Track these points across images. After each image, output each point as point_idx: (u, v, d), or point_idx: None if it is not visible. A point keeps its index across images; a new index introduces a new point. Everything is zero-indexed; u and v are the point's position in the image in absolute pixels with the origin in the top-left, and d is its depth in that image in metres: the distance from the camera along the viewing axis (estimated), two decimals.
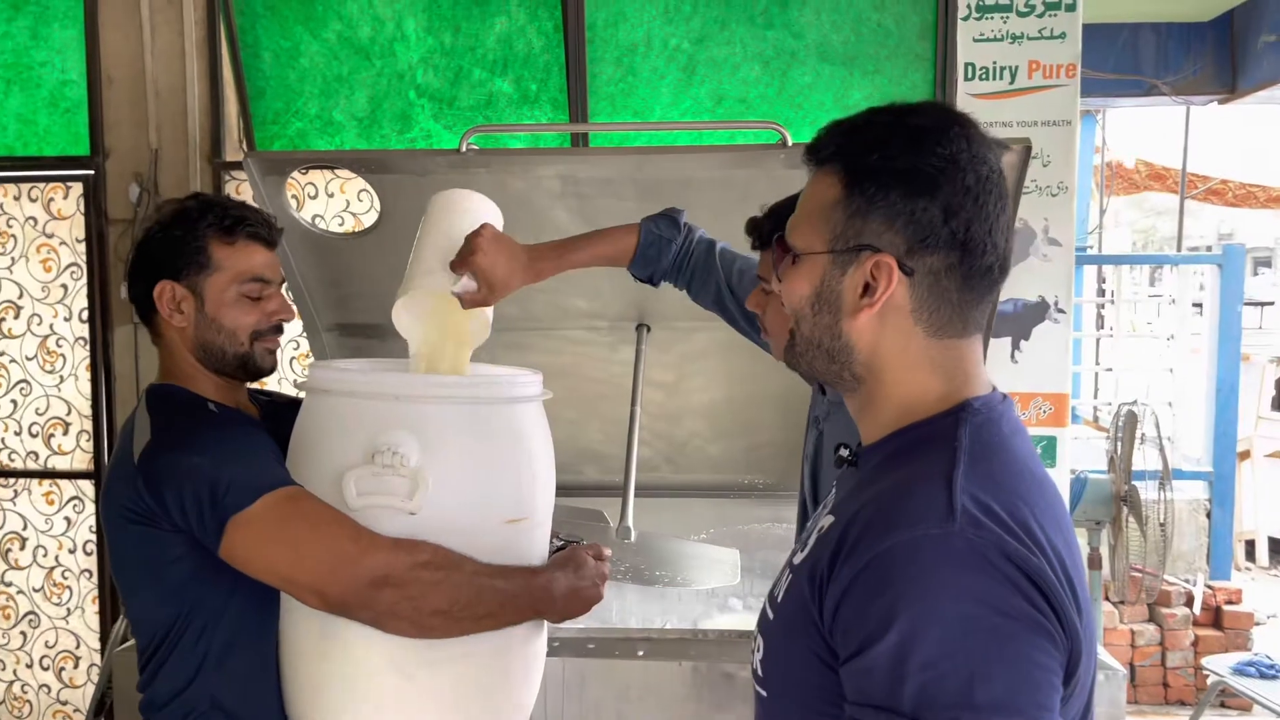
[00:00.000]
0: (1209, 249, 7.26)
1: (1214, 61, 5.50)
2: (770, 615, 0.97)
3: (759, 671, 0.97)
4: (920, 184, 0.87)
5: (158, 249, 1.44)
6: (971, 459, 0.85)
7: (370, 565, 1.26)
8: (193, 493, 1.28)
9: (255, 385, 1.57)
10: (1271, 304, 13.27)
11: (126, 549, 1.38)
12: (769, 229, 1.57)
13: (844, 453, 1.00)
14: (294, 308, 1.55)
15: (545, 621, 1.45)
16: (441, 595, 1.27)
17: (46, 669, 3.51)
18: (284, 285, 1.53)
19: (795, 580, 0.92)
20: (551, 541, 1.51)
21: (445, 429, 1.32)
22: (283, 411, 1.52)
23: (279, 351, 1.55)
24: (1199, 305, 5.81)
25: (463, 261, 1.47)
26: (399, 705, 1.33)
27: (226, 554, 1.30)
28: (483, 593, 1.30)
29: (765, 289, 1.54)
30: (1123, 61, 5.46)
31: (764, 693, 0.97)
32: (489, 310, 1.53)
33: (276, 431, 1.44)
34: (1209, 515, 5.29)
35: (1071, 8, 2.96)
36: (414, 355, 1.53)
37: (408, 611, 1.27)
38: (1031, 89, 2.99)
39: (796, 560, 0.95)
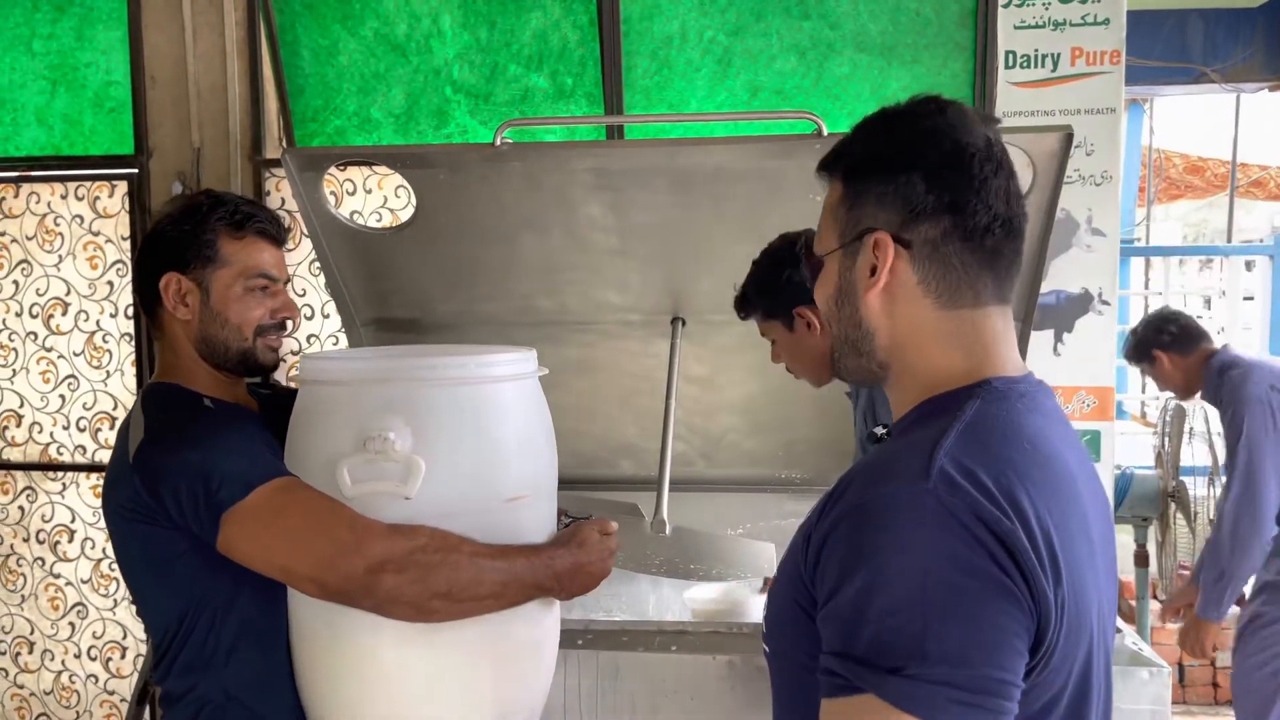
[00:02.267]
0: (1261, 241, 7.08)
1: (1264, 48, 5.37)
2: (776, 575, 1.03)
3: (764, 629, 1.02)
4: (899, 160, 0.93)
5: (166, 241, 1.45)
6: (967, 428, 0.88)
7: (368, 552, 1.26)
8: (187, 488, 1.29)
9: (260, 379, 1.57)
10: None
11: (130, 547, 1.40)
12: (741, 301, 1.96)
13: (879, 430, 1.05)
14: (299, 307, 1.55)
15: (556, 603, 1.44)
16: (441, 578, 1.27)
17: (94, 659, 3.58)
18: (289, 285, 1.53)
19: (794, 538, 0.97)
20: (560, 520, 1.50)
21: (435, 411, 1.31)
22: (284, 402, 1.52)
23: (283, 349, 1.55)
24: (1250, 298, 5.68)
25: None
26: (409, 690, 1.34)
27: (224, 547, 1.30)
28: (483, 573, 1.29)
29: (771, 343, 1.98)
30: (1170, 49, 5.34)
31: (766, 648, 1.01)
32: None
33: (279, 423, 1.44)
34: None
35: None
36: None
37: (409, 596, 1.26)
38: (1074, 76, 2.93)
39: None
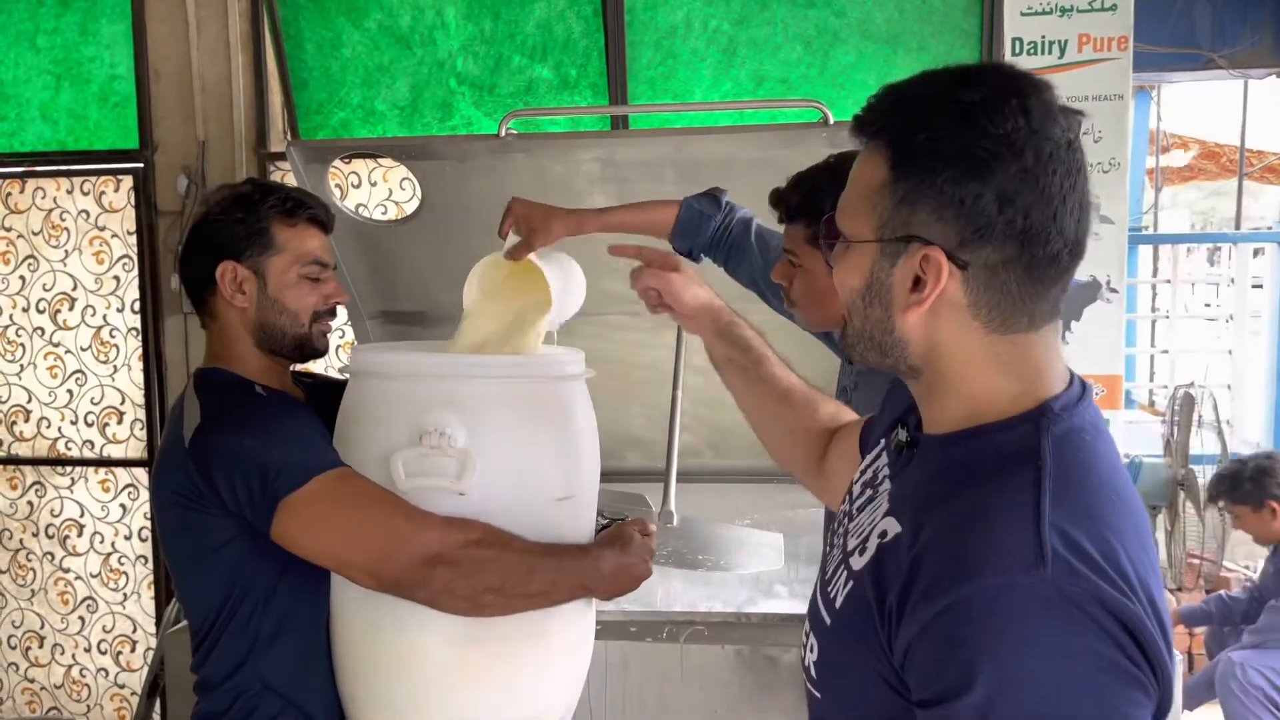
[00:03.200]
0: (1270, 228, 7.04)
1: (1273, 33, 5.32)
2: (826, 619, 0.91)
3: (813, 673, 0.93)
4: (970, 168, 0.77)
5: (219, 230, 1.45)
6: (1057, 483, 0.77)
7: (424, 544, 1.26)
8: (243, 475, 1.29)
9: (300, 368, 1.58)
10: None
11: (177, 532, 1.40)
12: (795, 202, 1.51)
13: (902, 435, 0.93)
14: (347, 291, 1.56)
15: (593, 600, 1.45)
16: (494, 573, 1.28)
17: (104, 653, 3.59)
18: (336, 270, 1.54)
19: (857, 589, 0.86)
20: (596, 520, 1.50)
21: (491, 408, 1.32)
22: (327, 393, 1.53)
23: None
24: (1259, 286, 5.65)
25: (503, 220, 1.54)
26: (450, 685, 1.34)
27: (278, 536, 1.31)
28: (534, 570, 1.30)
29: (793, 262, 1.52)
30: (1178, 34, 5.29)
31: (818, 695, 0.93)
32: (555, 303, 1.47)
33: (321, 413, 1.45)
34: None
35: None
36: (463, 327, 1.49)
37: (462, 589, 1.27)
38: (1082, 63, 2.91)
39: (855, 564, 0.88)
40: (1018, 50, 2.90)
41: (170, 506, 1.37)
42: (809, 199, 1.48)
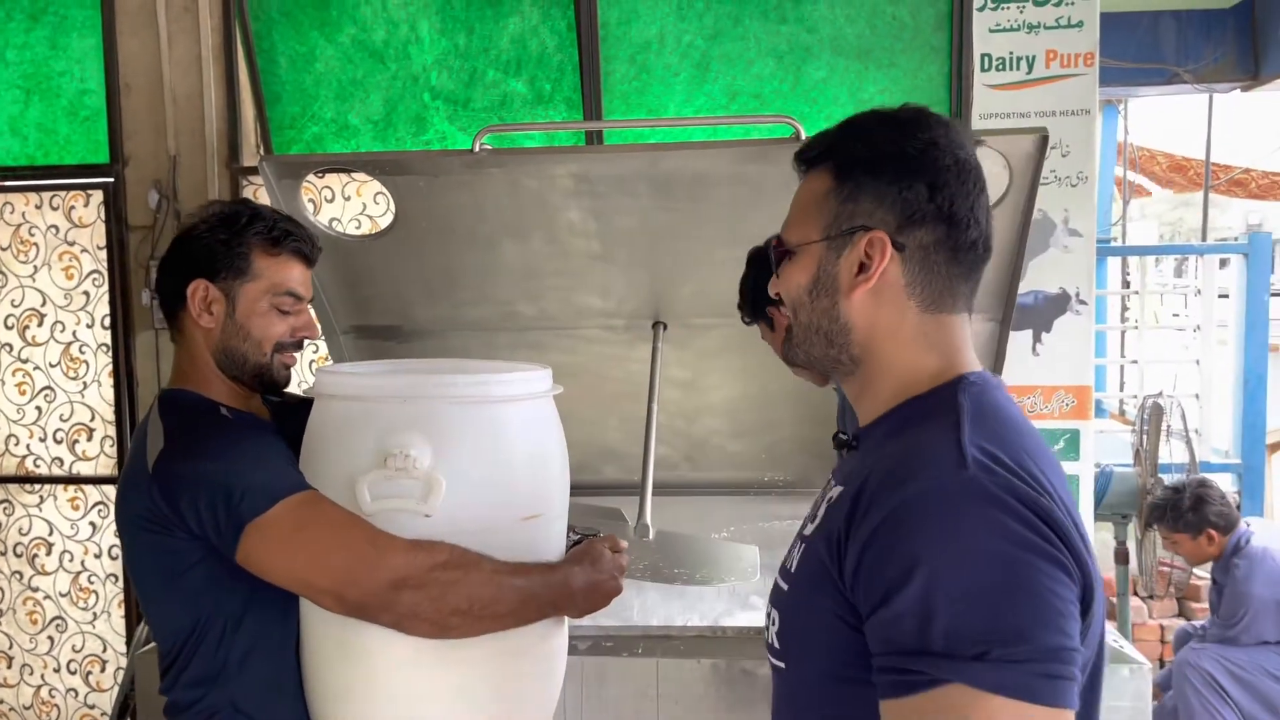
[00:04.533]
0: (1236, 239, 7.15)
1: (1236, 48, 5.42)
2: (784, 587, 1.00)
3: (775, 644, 1.00)
4: (906, 164, 0.94)
5: (199, 247, 1.44)
6: (974, 419, 0.90)
7: (389, 567, 1.25)
8: (208, 499, 1.28)
9: None
10: None
11: (143, 556, 1.38)
12: (750, 306, 1.91)
13: (842, 437, 1.05)
14: (319, 327, 1.55)
15: (565, 618, 1.44)
16: (461, 594, 1.27)
17: (74, 673, 3.54)
18: (310, 302, 1.53)
19: (809, 548, 0.96)
20: (568, 537, 1.50)
21: (456, 429, 1.31)
22: (294, 412, 1.52)
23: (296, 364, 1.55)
24: (1225, 296, 5.73)
25: None
26: (421, 707, 1.33)
27: (243, 560, 1.30)
28: (502, 590, 1.29)
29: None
30: (1144, 50, 5.39)
31: (781, 664, 0.99)
32: None
33: (289, 432, 1.44)
34: (1238, 508, 5.21)
35: None
36: None
37: (428, 612, 1.26)
38: (1050, 78, 2.95)
39: (808, 531, 0.99)
40: (986, 66, 2.94)
41: (135, 530, 1.36)
42: (753, 298, 1.89)
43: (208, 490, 1.29)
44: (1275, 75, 5.44)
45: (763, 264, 1.86)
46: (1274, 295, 6.19)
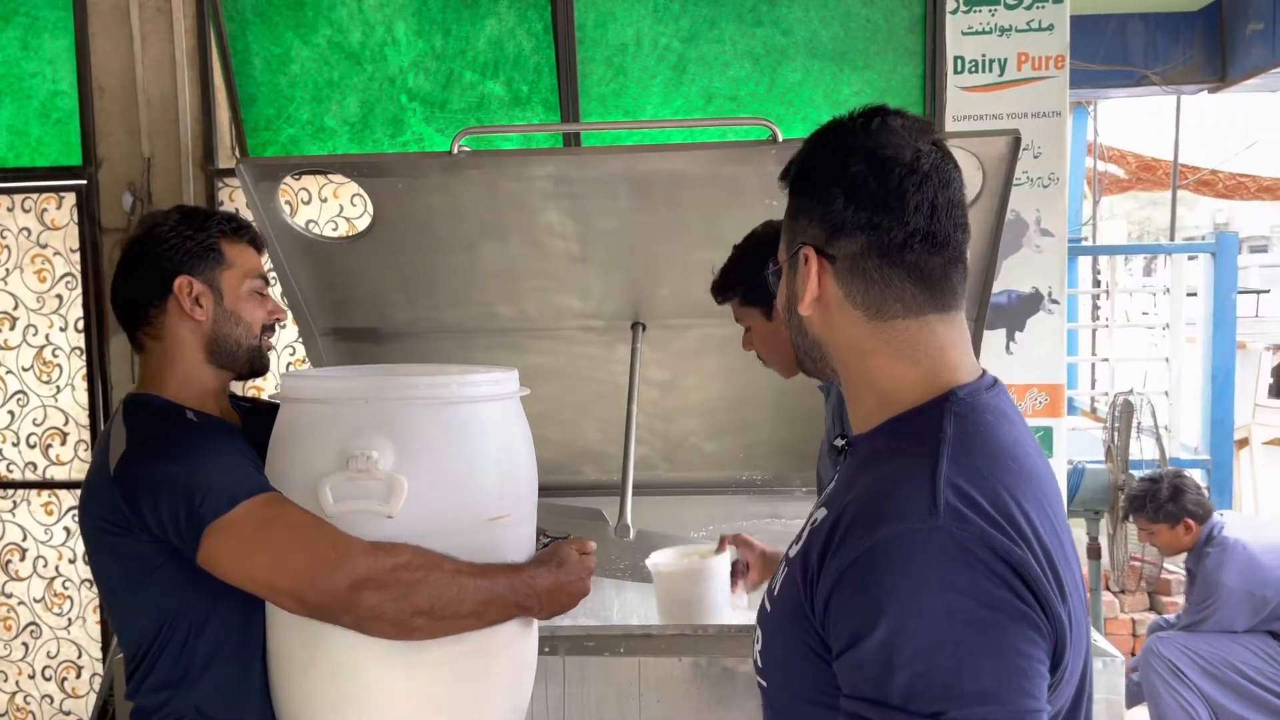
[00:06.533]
0: (1204, 238, 7.25)
1: (1203, 50, 5.52)
2: (768, 608, 0.98)
3: (759, 663, 0.99)
4: (821, 175, 0.94)
5: (171, 247, 1.45)
6: (956, 449, 0.86)
7: (350, 569, 1.25)
8: (169, 501, 1.29)
9: (239, 391, 1.59)
10: (1267, 292, 13.29)
11: (107, 560, 1.39)
12: (718, 285, 1.88)
13: (839, 443, 1.03)
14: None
15: (534, 620, 1.45)
16: (423, 595, 1.27)
17: (49, 679, 3.51)
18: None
19: (790, 573, 0.94)
20: (539, 539, 1.51)
21: (418, 430, 1.31)
22: (264, 416, 1.52)
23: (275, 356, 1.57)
24: (1194, 294, 5.81)
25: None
26: (387, 710, 1.33)
27: (205, 561, 1.30)
28: (465, 591, 1.29)
29: (745, 329, 1.89)
30: (1112, 52, 5.47)
31: (764, 683, 0.99)
32: None
33: (259, 437, 1.44)
34: None
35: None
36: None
37: (391, 613, 1.26)
38: (1021, 81, 2.99)
39: (791, 553, 0.97)
40: (959, 68, 2.98)
41: (99, 534, 1.36)
42: (729, 274, 1.87)
43: (169, 491, 1.29)
44: (1242, 76, 5.53)
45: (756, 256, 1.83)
46: (1241, 294, 6.29)
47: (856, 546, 0.83)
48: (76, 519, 3.41)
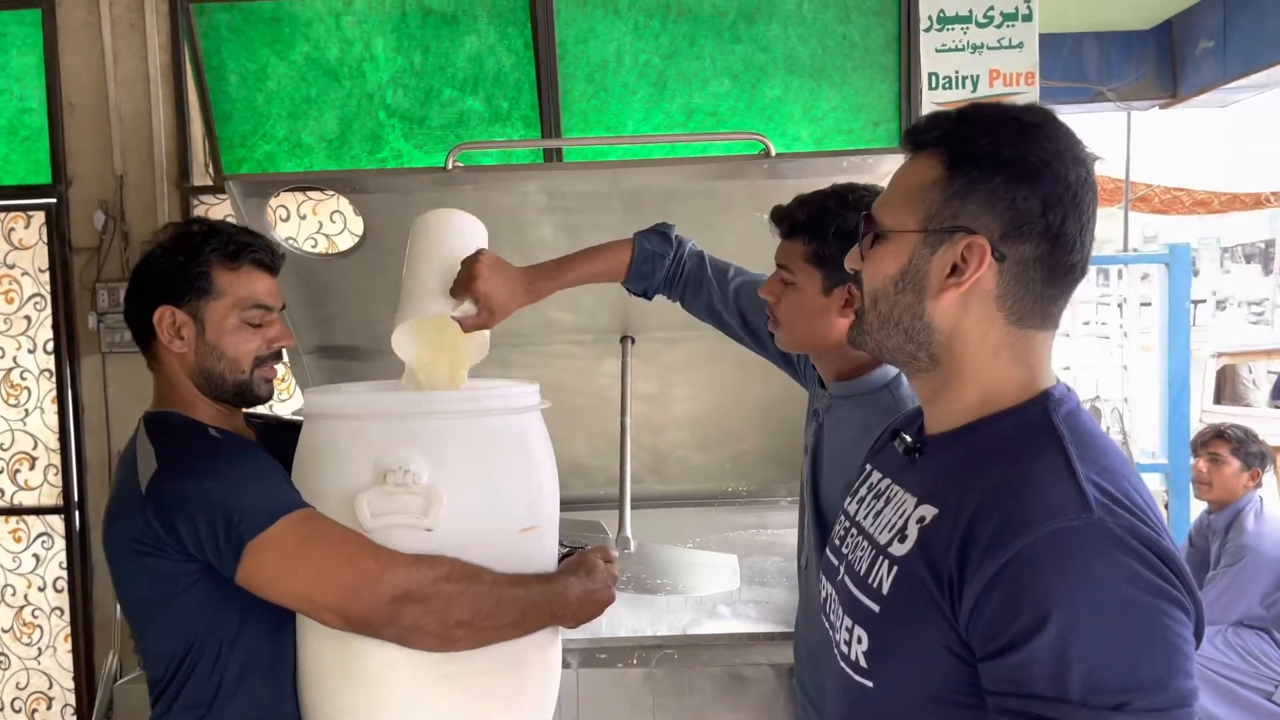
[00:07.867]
0: (1134, 250, 7.46)
1: (1155, 68, 5.68)
2: (873, 607, 0.95)
3: (862, 663, 0.96)
4: (1024, 172, 0.89)
5: (157, 273, 1.42)
6: (1077, 447, 0.88)
7: (392, 582, 1.26)
8: (206, 520, 1.27)
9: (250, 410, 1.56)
10: (1203, 302, 13.81)
11: (136, 581, 1.36)
12: (801, 219, 1.51)
13: (909, 442, 1.01)
14: (293, 333, 1.54)
15: (560, 629, 1.45)
16: (464, 607, 1.28)
17: (19, 711, 3.41)
18: (283, 310, 1.52)
19: (906, 572, 0.92)
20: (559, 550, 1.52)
21: (453, 444, 1.33)
22: (277, 434, 1.51)
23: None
24: (1148, 304, 5.95)
25: (463, 288, 1.49)
26: None
27: (244, 579, 1.29)
28: (503, 602, 1.31)
29: (785, 279, 1.53)
30: (1069, 70, 5.61)
31: (868, 683, 0.96)
32: (487, 331, 1.56)
33: (277, 453, 1.43)
34: (1166, 506, 5.41)
35: (1028, 18, 3.04)
36: (410, 375, 1.55)
37: (432, 625, 1.27)
38: (993, 97, 3.07)
39: (895, 550, 0.95)
40: (934, 85, 3.04)
41: (126, 555, 1.33)
42: (815, 217, 1.50)
43: (206, 510, 1.27)
44: (1193, 93, 5.70)
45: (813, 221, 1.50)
46: (1194, 303, 6.45)
47: (1010, 548, 0.83)
48: (46, 546, 3.33)
